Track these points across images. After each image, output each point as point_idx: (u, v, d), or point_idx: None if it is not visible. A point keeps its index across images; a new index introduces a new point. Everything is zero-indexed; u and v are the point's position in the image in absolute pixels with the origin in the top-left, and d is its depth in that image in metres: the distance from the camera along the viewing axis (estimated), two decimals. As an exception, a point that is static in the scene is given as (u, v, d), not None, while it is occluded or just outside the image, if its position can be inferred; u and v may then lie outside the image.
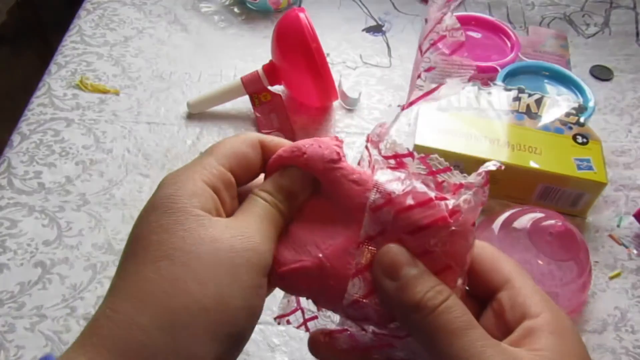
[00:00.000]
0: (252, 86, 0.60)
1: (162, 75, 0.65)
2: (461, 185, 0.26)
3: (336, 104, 0.63)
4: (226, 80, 0.66)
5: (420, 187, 0.26)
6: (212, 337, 0.23)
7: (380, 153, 0.29)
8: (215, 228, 0.25)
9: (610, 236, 0.53)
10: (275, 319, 0.32)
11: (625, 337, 0.46)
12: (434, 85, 0.32)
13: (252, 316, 0.25)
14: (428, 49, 0.31)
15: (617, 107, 0.66)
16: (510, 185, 0.54)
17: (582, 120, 0.55)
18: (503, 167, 0.26)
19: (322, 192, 0.29)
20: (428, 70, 0.32)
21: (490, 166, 0.26)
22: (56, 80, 0.63)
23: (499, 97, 0.57)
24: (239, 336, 0.24)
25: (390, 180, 0.27)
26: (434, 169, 0.27)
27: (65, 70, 0.64)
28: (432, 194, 0.26)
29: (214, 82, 0.65)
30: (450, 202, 0.26)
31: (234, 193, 0.28)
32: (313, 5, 0.77)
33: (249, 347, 0.43)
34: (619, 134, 0.63)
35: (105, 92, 0.63)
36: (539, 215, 0.47)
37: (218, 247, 0.24)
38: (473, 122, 0.55)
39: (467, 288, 0.28)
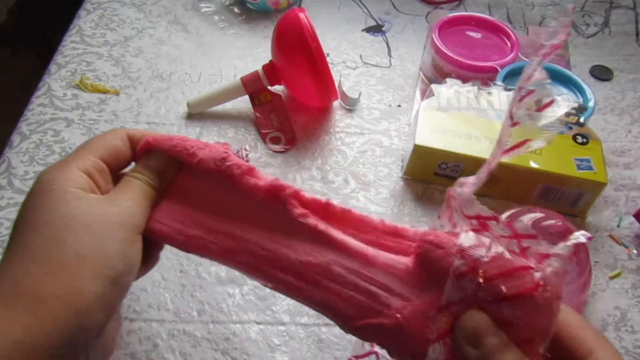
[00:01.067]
0: (252, 86, 0.60)
1: (162, 75, 0.65)
2: (547, 255, 0.26)
3: (336, 104, 0.63)
4: (226, 80, 0.66)
5: (506, 254, 0.26)
6: (92, 278, 0.28)
7: (462, 212, 0.28)
8: (90, 199, 0.30)
9: (610, 236, 0.53)
10: (349, 359, 0.32)
11: (625, 337, 0.46)
12: (519, 140, 0.32)
13: (128, 263, 0.30)
14: (515, 105, 0.31)
15: (617, 107, 0.66)
16: (511, 185, 0.54)
17: (582, 120, 0.55)
18: (592, 239, 0.25)
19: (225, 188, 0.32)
20: (514, 124, 0.32)
21: (580, 238, 0.25)
22: (56, 80, 0.63)
23: (499, 97, 0.57)
24: (118, 279, 0.29)
25: (475, 246, 0.26)
26: (519, 233, 0.27)
27: (65, 70, 0.64)
28: (519, 263, 0.25)
29: (214, 82, 0.65)
30: (538, 274, 0.25)
31: (107, 178, 0.33)
32: (313, 5, 0.77)
33: (249, 347, 0.43)
34: (619, 134, 0.63)
35: (105, 92, 0.63)
36: (539, 215, 0.47)
37: (93, 212, 0.30)
38: (473, 122, 0.55)
39: (548, 356, 0.27)
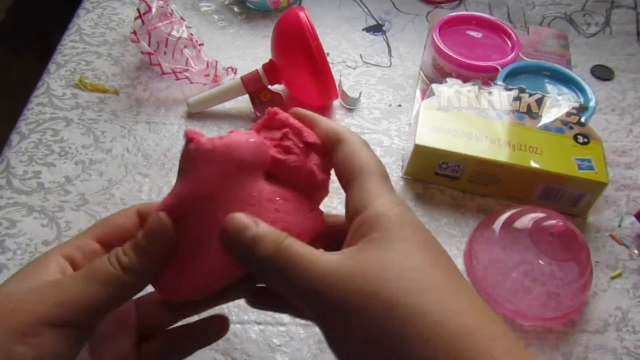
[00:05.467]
0: (252, 85, 0.60)
1: (161, 75, 0.65)
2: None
3: (336, 103, 0.63)
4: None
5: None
6: None
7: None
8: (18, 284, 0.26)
9: (611, 236, 0.53)
10: None
11: (626, 337, 0.46)
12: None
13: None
14: None
15: (618, 107, 0.66)
16: (511, 185, 0.53)
17: (583, 120, 0.55)
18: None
19: None
20: None
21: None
22: (55, 80, 0.63)
23: (500, 96, 0.57)
24: None
25: None
26: None
27: (65, 70, 0.64)
28: None
29: (214, 81, 0.65)
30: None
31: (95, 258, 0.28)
32: (313, 5, 0.77)
33: (249, 347, 0.43)
34: (619, 134, 0.63)
35: (104, 91, 0.62)
36: (539, 215, 0.47)
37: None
38: (473, 121, 0.55)
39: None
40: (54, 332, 0.24)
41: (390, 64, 0.70)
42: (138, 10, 0.60)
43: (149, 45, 0.60)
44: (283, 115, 0.30)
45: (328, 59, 0.56)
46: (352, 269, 0.24)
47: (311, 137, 0.30)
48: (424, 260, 0.24)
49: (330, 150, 0.30)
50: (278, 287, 0.25)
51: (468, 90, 0.57)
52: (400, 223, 0.25)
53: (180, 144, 0.58)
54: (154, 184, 0.54)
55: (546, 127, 0.55)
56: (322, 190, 0.31)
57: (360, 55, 0.70)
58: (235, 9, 0.75)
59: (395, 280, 0.23)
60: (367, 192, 0.27)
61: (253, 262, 0.26)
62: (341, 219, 0.30)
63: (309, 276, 0.24)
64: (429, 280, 0.23)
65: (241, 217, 0.26)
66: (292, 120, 0.30)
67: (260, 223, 0.26)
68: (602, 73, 0.70)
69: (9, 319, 0.24)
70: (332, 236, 0.31)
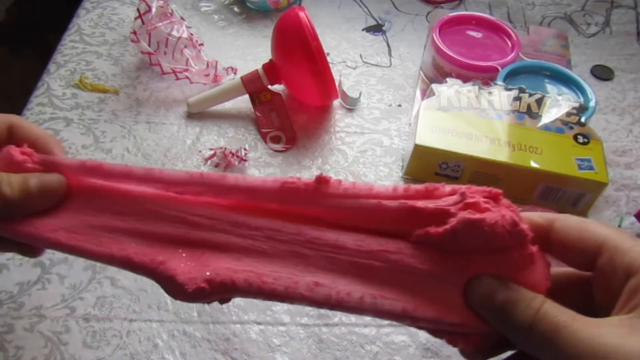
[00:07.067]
0: (252, 85, 0.60)
1: (161, 75, 0.65)
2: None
3: (336, 103, 0.63)
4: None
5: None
6: None
7: None
8: None
9: (611, 236, 0.53)
10: None
11: (626, 337, 0.46)
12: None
13: None
14: None
15: (618, 107, 0.66)
16: (511, 185, 0.53)
17: (583, 120, 0.55)
18: None
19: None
20: None
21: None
22: (55, 80, 0.63)
23: (500, 96, 0.57)
24: None
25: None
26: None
27: (65, 70, 0.64)
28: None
29: (214, 81, 0.65)
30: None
31: None
32: (313, 5, 0.77)
33: (249, 347, 0.43)
34: (619, 134, 0.63)
35: (104, 91, 0.62)
36: (540, 215, 0.47)
37: None
38: (473, 121, 0.55)
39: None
40: None
41: (390, 64, 0.70)
42: (138, 10, 0.60)
43: (149, 45, 0.60)
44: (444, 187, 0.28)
45: (328, 59, 0.56)
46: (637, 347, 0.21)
47: (495, 189, 0.26)
48: None
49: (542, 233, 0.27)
50: (540, 355, 0.23)
51: (468, 90, 0.57)
52: None
53: (179, 144, 0.58)
54: (154, 184, 0.54)
55: (546, 127, 0.55)
56: (525, 249, 0.26)
57: (360, 55, 0.70)
58: (235, 9, 0.75)
59: None
60: (635, 251, 0.23)
61: (510, 329, 0.24)
62: (566, 274, 0.27)
63: (579, 350, 0.21)
64: None
65: (490, 281, 0.25)
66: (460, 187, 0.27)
67: (512, 285, 0.25)
68: (602, 73, 0.70)
69: None
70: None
